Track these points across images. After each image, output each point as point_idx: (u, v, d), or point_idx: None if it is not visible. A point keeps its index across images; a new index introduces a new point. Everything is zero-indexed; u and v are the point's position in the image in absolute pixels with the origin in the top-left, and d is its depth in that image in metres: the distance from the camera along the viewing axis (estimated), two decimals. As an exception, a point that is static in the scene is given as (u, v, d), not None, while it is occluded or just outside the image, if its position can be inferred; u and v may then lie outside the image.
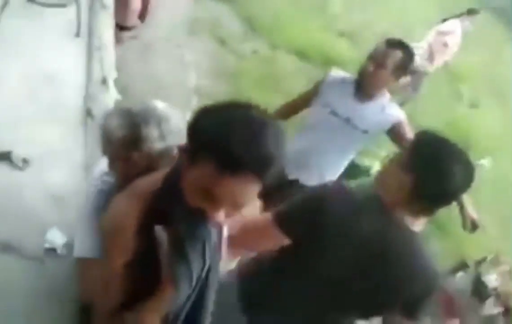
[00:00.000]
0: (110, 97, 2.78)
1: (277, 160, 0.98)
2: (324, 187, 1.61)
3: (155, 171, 1.23)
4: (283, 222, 1.52)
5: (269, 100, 4.55)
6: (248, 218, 1.58)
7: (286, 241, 1.53)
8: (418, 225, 1.47)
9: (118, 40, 3.41)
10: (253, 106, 1.02)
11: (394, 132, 2.48)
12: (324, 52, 5.77)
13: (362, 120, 2.46)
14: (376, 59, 2.36)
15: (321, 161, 2.61)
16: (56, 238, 1.80)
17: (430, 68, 5.38)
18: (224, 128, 0.96)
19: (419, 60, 4.89)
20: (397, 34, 7.12)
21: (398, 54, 2.34)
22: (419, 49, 5.09)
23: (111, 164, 1.40)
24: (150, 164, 1.33)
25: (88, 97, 2.79)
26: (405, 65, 2.37)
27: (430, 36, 5.48)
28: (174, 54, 4.49)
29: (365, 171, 3.75)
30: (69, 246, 1.74)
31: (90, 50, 3.12)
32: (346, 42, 6.32)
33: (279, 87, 4.83)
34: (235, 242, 1.51)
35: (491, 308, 3.31)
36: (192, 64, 4.57)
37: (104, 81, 2.87)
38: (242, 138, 0.95)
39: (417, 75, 5.05)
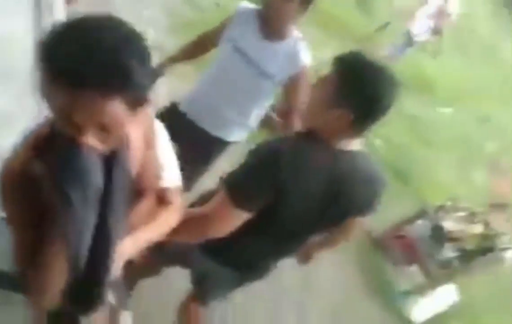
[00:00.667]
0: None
1: (126, 68, 0.88)
2: (267, 147, 1.53)
3: None
4: (244, 201, 1.49)
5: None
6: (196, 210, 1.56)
7: (246, 217, 1.51)
8: (357, 144, 1.54)
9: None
10: (106, 18, 0.90)
11: (295, 80, 2.20)
12: None
13: (269, 62, 2.17)
14: None
15: (233, 112, 2.34)
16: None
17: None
18: (56, 38, 0.86)
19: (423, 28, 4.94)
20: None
21: None
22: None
23: None
24: None
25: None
26: None
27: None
28: (133, 10, 4.33)
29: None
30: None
31: (40, 9, 2.96)
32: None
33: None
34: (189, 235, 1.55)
35: (448, 251, 3.46)
36: (150, 19, 4.42)
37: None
38: (72, 48, 0.84)
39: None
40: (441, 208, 3.66)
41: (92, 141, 0.94)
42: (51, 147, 1.00)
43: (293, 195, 1.47)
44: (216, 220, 1.54)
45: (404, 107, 5.26)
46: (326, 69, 1.48)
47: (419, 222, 3.70)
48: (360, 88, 1.40)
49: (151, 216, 1.36)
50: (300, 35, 2.22)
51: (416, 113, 5.29)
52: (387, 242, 3.82)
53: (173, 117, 2.02)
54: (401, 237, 3.75)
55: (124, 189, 1.14)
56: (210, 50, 2.41)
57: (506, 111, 6.28)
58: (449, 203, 3.69)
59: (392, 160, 4.45)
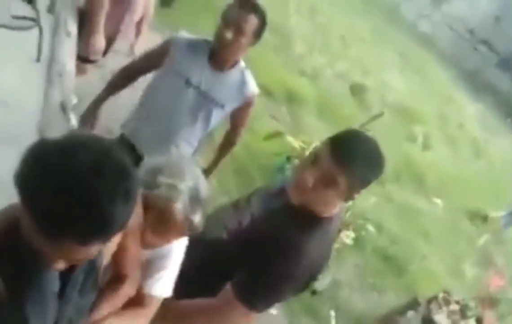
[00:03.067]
0: (68, 124, 2.72)
1: (110, 217, 0.79)
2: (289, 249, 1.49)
3: None
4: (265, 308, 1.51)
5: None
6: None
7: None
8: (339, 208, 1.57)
9: (80, 71, 3.36)
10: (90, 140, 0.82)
11: (243, 108, 2.33)
12: (286, 89, 5.91)
13: (220, 92, 2.24)
14: (234, 25, 2.11)
15: (180, 140, 2.32)
16: None
17: None
18: (34, 176, 0.78)
19: None
20: (353, 76, 7.45)
21: (254, 19, 2.14)
22: None
23: None
24: None
25: (43, 123, 2.71)
26: (261, 31, 2.20)
27: None
28: (138, 81, 4.47)
29: (302, 152, 3.92)
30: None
31: (50, 76, 3.05)
32: (307, 81, 6.50)
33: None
34: None
35: (440, 346, 3.39)
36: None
37: (63, 107, 2.81)
38: (48, 193, 0.76)
39: None
40: (433, 299, 3.63)
41: (61, 266, 0.88)
42: (10, 252, 0.92)
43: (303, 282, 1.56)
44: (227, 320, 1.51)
45: (397, 196, 5.35)
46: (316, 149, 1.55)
47: (410, 313, 3.65)
48: (354, 163, 1.44)
49: (124, 306, 1.33)
50: (244, 64, 2.33)
51: (409, 203, 5.36)
52: (378, 332, 3.74)
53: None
54: (393, 328, 3.67)
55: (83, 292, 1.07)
56: (136, 79, 2.45)
57: (495, 207, 6.39)
58: (441, 295, 3.66)
59: (384, 248, 4.45)
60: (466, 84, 10.41)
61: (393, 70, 8.58)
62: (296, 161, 4.11)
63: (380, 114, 5.82)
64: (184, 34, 2.32)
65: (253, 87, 2.35)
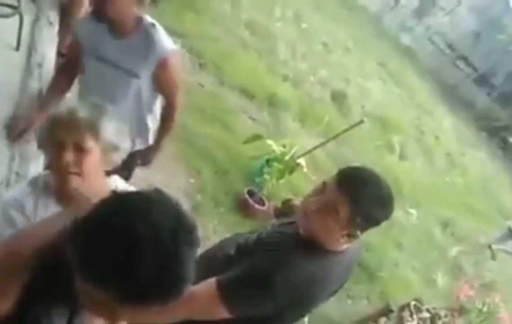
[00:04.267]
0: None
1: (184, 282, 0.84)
2: (277, 266, 1.48)
3: None
4: (237, 310, 1.48)
5: (211, 133, 4.61)
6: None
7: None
8: (343, 244, 1.55)
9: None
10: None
11: (160, 73, 2.10)
12: (268, 93, 5.93)
13: (128, 59, 2.07)
14: None
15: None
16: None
17: None
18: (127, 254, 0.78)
19: None
20: (335, 83, 7.50)
21: None
22: None
23: None
24: None
25: (18, 111, 2.66)
26: None
27: None
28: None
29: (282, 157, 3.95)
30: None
31: (29, 65, 3.01)
32: (288, 86, 6.53)
33: (222, 121, 4.89)
34: None
35: (410, 353, 3.44)
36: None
37: (39, 96, 2.77)
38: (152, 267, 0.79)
39: None
40: (405, 307, 3.69)
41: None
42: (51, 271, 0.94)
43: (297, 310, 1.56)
44: (201, 307, 1.49)
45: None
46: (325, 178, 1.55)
47: (383, 320, 3.70)
48: (360, 200, 1.44)
49: None
50: (150, 21, 2.10)
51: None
52: (351, 338, 3.78)
53: None
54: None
55: None
56: (76, 76, 2.29)
57: (467, 218, 6.53)
58: (413, 303, 3.73)
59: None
60: (444, 97, 10.64)
61: (374, 80, 8.70)
62: (275, 164, 4.14)
63: (360, 122, 5.88)
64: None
65: (163, 45, 2.09)
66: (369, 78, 8.56)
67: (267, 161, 4.24)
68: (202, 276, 1.46)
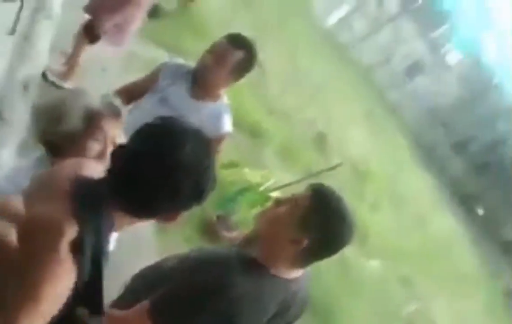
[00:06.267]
0: (27, 105, 2.69)
1: None
2: (214, 274, 1.41)
3: None
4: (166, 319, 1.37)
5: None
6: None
7: None
8: (297, 273, 1.49)
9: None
10: None
11: (215, 141, 2.16)
12: (252, 123, 6.02)
13: (196, 119, 2.19)
14: (217, 54, 2.13)
15: None
16: None
17: None
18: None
19: None
20: (319, 124, 7.61)
21: (239, 54, 2.13)
22: None
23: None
24: None
25: (2, 99, 2.68)
26: (246, 67, 2.20)
27: None
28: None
29: (256, 187, 3.97)
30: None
31: (21, 52, 3.02)
32: (274, 120, 6.65)
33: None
34: None
35: None
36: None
37: (26, 87, 2.78)
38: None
39: None
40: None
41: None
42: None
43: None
44: None
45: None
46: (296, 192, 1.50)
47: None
48: (327, 221, 1.40)
49: None
50: (227, 102, 2.27)
51: (347, 257, 5.52)
52: None
53: None
54: None
55: None
56: (134, 101, 2.36)
57: (426, 278, 6.66)
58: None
59: (315, 297, 4.54)
60: (422, 157, 10.94)
61: (358, 128, 8.92)
62: (248, 193, 4.19)
63: (338, 165, 6.02)
64: (176, 60, 2.41)
65: (228, 126, 2.29)
66: (353, 126, 8.78)
67: (241, 190, 4.29)
68: (140, 291, 1.44)
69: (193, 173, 1.06)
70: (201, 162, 1.08)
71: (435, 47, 16.30)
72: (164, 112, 2.19)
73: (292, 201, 1.45)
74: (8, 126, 2.48)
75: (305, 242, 1.37)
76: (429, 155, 11.69)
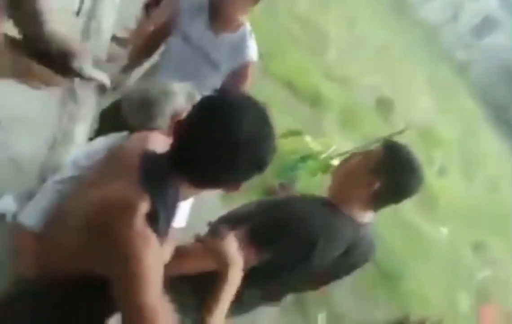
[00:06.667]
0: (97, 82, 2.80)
1: None
2: (301, 210, 1.65)
3: None
4: (261, 240, 1.58)
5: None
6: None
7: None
8: (367, 217, 1.67)
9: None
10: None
11: (238, 71, 2.21)
12: (313, 90, 5.95)
13: (215, 51, 2.16)
14: None
15: None
16: (9, 204, 1.80)
17: None
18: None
19: None
20: (383, 90, 7.42)
21: None
22: None
23: None
24: None
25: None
26: None
27: None
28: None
29: (317, 155, 4.00)
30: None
31: (87, 32, 3.15)
32: (335, 87, 6.52)
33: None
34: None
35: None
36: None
37: (96, 62, 2.89)
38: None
39: None
40: (421, 322, 3.64)
41: None
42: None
43: (315, 258, 1.59)
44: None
45: (405, 214, 5.36)
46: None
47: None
48: (398, 168, 1.57)
49: None
50: (250, 29, 2.21)
51: (415, 223, 5.37)
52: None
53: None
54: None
55: None
56: (161, 45, 2.39)
57: (500, 243, 6.35)
58: (431, 320, 3.67)
59: (382, 262, 4.47)
60: (493, 118, 10.31)
61: (423, 92, 8.55)
62: (310, 161, 4.17)
63: (402, 131, 5.83)
64: None
65: (252, 52, 2.21)
66: (418, 90, 8.42)
67: (302, 158, 4.28)
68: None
69: (252, 145, 1.09)
70: (260, 134, 1.11)
71: (506, 1, 15.19)
72: (189, 52, 2.19)
73: (366, 152, 1.67)
74: (80, 103, 2.61)
75: (377, 185, 1.57)
76: (501, 116, 11.00)
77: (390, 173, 1.57)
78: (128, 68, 2.55)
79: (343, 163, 1.77)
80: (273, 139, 1.15)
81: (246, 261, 1.52)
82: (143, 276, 1.07)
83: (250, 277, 1.59)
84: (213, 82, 2.24)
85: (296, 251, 1.61)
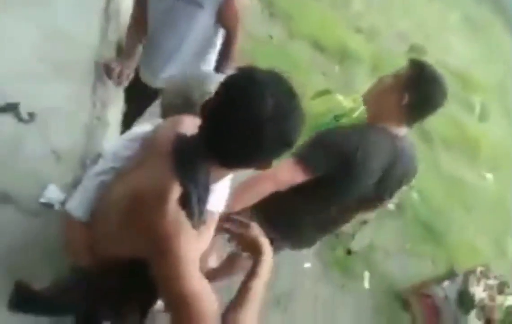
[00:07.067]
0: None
1: None
2: (344, 133, 1.89)
3: None
4: (306, 158, 1.79)
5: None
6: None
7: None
8: (402, 131, 1.89)
9: None
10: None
11: (226, 7, 2.19)
12: (340, 46, 5.76)
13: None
14: None
15: (175, 56, 2.35)
16: (54, 194, 1.83)
17: None
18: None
19: None
20: (413, 37, 7.11)
21: None
22: None
23: None
24: None
25: (100, 59, 2.79)
26: None
27: None
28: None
29: (350, 112, 3.98)
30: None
31: (108, 14, 3.11)
32: (363, 39, 6.30)
33: (291, 75, 4.82)
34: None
35: (473, 320, 3.34)
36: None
37: (119, 45, 2.88)
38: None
39: None
40: (471, 272, 3.56)
41: None
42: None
43: (359, 171, 1.80)
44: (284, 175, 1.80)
45: (446, 165, 5.19)
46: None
47: (447, 283, 3.61)
48: (424, 82, 1.79)
49: None
50: None
51: (457, 174, 5.20)
52: (412, 298, 3.73)
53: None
54: (427, 296, 3.65)
55: None
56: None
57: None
58: (479, 269, 3.58)
59: (425, 216, 4.38)
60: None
61: (457, 34, 8.15)
62: (344, 120, 4.06)
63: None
64: None
65: None
66: (452, 32, 8.03)
67: (335, 117, 4.18)
68: None
69: (277, 121, 1.05)
70: (285, 108, 1.07)
71: None
72: (169, 2, 2.18)
73: (394, 72, 1.88)
74: (108, 86, 2.59)
75: (406, 98, 1.78)
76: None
77: (418, 86, 1.77)
78: (128, 52, 2.56)
79: (374, 86, 1.95)
80: (299, 113, 1.11)
81: (295, 180, 1.76)
82: (180, 265, 1.07)
83: (304, 203, 1.87)
84: (203, 21, 2.26)
85: (338, 165, 1.77)
